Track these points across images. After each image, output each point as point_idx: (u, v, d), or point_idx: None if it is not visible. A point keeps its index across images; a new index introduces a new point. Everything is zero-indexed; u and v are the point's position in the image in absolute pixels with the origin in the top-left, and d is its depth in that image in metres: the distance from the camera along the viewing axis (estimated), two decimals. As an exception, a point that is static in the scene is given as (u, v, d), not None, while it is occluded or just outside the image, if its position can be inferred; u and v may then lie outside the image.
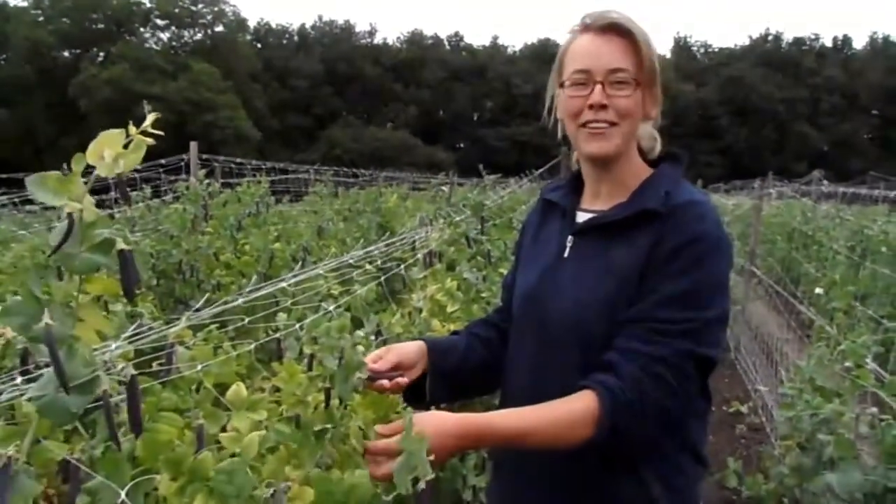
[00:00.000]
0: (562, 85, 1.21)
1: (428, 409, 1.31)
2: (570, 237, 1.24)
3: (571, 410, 1.06)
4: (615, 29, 1.15)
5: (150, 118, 0.77)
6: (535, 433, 1.06)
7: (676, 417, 1.10)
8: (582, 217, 1.26)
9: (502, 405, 1.34)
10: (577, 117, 1.18)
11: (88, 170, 0.74)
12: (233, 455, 1.17)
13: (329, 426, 1.23)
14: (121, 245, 0.73)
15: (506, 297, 1.42)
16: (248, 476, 0.94)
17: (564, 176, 1.40)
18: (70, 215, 0.69)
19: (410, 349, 1.27)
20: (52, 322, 0.69)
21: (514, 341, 1.31)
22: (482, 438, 1.08)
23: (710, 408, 1.23)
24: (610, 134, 1.16)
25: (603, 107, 1.15)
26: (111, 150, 0.71)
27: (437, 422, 1.05)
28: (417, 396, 1.30)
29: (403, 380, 1.22)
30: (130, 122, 0.73)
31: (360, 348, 1.21)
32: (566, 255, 1.23)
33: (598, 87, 1.14)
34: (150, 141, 0.74)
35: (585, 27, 1.19)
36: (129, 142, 0.72)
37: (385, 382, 1.20)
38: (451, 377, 1.30)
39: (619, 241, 1.16)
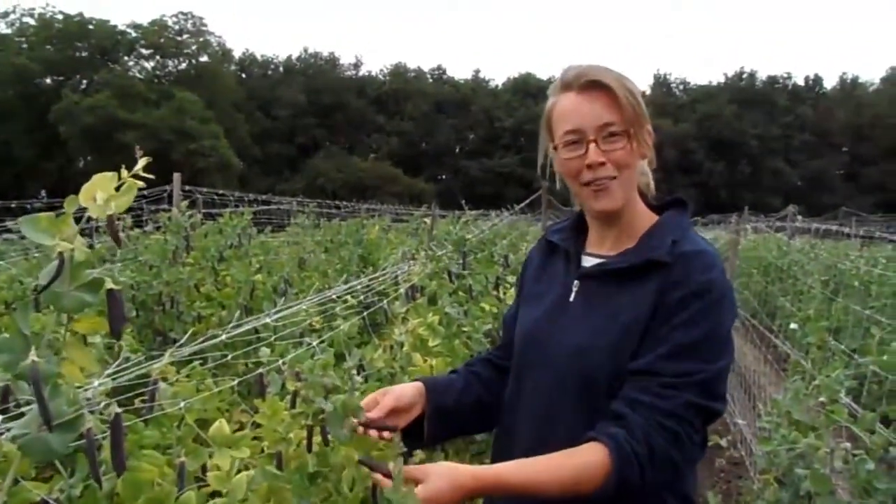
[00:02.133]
0: (555, 147, 1.23)
1: (424, 447, 1.30)
2: (576, 281, 1.24)
3: (580, 463, 1.06)
4: (596, 85, 1.17)
5: (142, 162, 0.79)
6: (544, 486, 1.06)
7: (681, 467, 1.11)
8: (588, 261, 1.27)
9: (498, 443, 1.34)
10: (577, 177, 1.20)
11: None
12: (214, 494, 1.17)
13: (324, 469, 1.23)
14: (109, 285, 0.74)
15: (507, 333, 1.42)
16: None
17: (567, 217, 1.42)
18: (61, 255, 0.70)
19: (407, 391, 1.27)
20: (38, 359, 0.69)
21: (514, 380, 1.31)
22: (492, 490, 1.08)
23: (704, 453, 1.23)
24: (613, 188, 1.18)
25: (601, 164, 1.17)
26: (103, 193, 0.72)
27: (450, 474, 1.05)
28: (415, 436, 1.29)
29: (389, 435, 1.21)
30: (122, 167, 0.75)
31: (357, 393, 1.21)
32: (571, 298, 1.24)
33: (593, 145, 1.16)
34: (140, 184, 0.76)
35: (566, 86, 1.20)
36: (121, 185, 0.74)
37: (374, 433, 1.19)
38: (448, 416, 1.30)
39: (625, 288, 1.17)
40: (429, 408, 1.28)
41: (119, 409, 0.80)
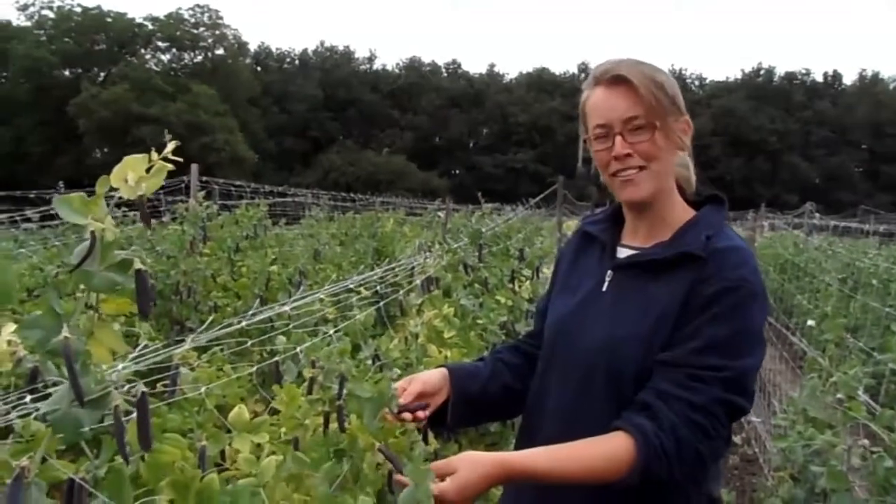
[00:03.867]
0: (586, 140, 1.26)
1: (450, 433, 1.32)
2: (609, 272, 1.25)
3: (606, 452, 1.07)
4: (620, 80, 1.19)
5: (171, 145, 0.80)
6: (569, 474, 1.07)
7: (707, 463, 1.11)
8: (622, 252, 1.28)
9: (523, 432, 1.35)
10: (606, 168, 1.23)
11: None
12: (233, 479, 1.18)
13: (346, 449, 1.25)
14: (138, 265, 0.76)
15: (538, 322, 1.43)
16: (256, 499, 0.95)
17: (605, 209, 1.42)
18: (93, 234, 0.71)
19: (433, 377, 1.29)
20: (70, 336, 0.71)
21: (542, 368, 1.32)
22: (517, 477, 1.09)
23: (727, 449, 1.23)
24: (640, 179, 1.20)
25: (627, 155, 1.19)
26: (134, 174, 0.74)
27: (477, 464, 1.06)
28: (440, 422, 1.31)
29: (424, 413, 1.24)
30: (153, 150, 0.76)
31: (394, 385, 1.22)
32: (604, 289, 1.24)
33: (619, 138, 1.19)
34: (170, 167, 0.78)
35: (596, 81, 1.23)
36: (152, 167, 0.75)
37: (408, 415, 1.22)
38: (473, 403, 1.31)
39: (658, 280, 1.17)
40: (454, 394, 1.30)
41: (145, 389, 0.82)
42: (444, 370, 1.32)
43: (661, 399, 1.08)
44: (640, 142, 1.18)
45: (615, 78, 1.20)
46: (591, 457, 1.07)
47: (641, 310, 1.16)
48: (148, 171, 0.74)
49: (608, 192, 1.31)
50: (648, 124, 1.18)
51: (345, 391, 1.28)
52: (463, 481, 1.05)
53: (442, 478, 1.06)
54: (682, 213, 1.26)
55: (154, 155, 0.74)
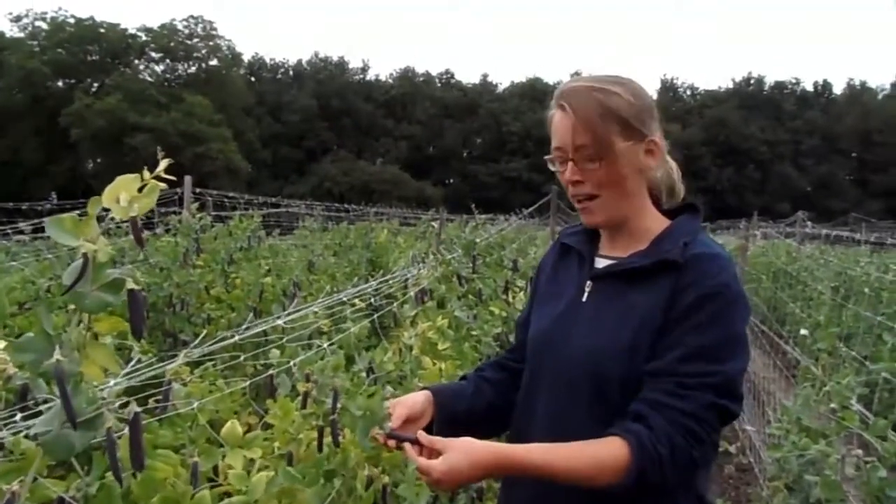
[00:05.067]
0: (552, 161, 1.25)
1: None
2: (588, 282, 1.26)
3: (601, 454, 1.08)
4: (566, 107, 1.19)
5: (163, 164, 0.80)
6: (561, 472, 1.08)
7: (698, 468, 1.12)
8: (600, 263, 1.28)
9: (513, 440, 1.34)
10: (567, 190, 1.24)
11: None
12: (226, 495, 1.17)
13: (339, 469, 1.24)
14: (131, 285, 0.75)
15: (520, 335, 1.43)
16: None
17: (580, 221, 1.42)
18: (85, 255, 0.71)
19: (418, 400, 1.29)
20: (62, 358, 0.70)
21: (527, 381, 1.32)
22: (510, 470, 1.10)
23: (717, 454, 1.25)
24: (593, 208, 1.21)
25: (578, 181, 1.20)
26: (126, 194, 0.73)
27: (470, 451, 1.08)
28: None
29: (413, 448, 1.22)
30: (145, 169, 0.76)
31: (387, 403, 1.22)
32: (584, 299, 1.25)
33: (570, 164, 1.19)
34: (163, 186, 0.77)
35: (556, 101, 1.22)
36: (144, 186, 0.75)
37: (392, 443, 1.21)
38: (458, 423, 1.30)
39: (636, 289, 1.18)
40: (439, 415, 1.29)
41: (138, 408, 0.81)
42: (427, 392, 1.31)
43: (653, 409, 1.09)
44: (590, 170, 1.18)
45: (562, 105, 1.20)
46: (586, 456, 1.08)
47: (621, 318, 1.17)
48: (140, 190, 0.73)
49: None
50: (595, 155, 1.18)
51: (339, 405, 1.27)
52: (453, 463, 1.06)
53: (437, 454, 1.09)
54: (657, 223, 1.26)
55: (146, 174, 0.74)
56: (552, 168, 1.25)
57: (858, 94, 54.59)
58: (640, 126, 1.20)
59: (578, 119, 1.17)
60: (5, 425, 0.99)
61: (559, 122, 1.20)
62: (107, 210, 0.80)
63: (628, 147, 1.19)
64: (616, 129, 1.18)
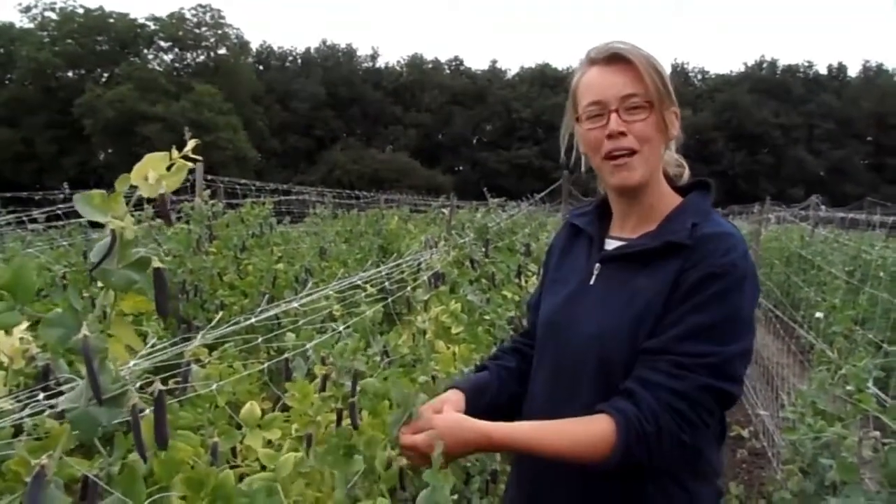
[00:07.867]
0: (578, 119, 1.24)
1: None
2: (597, 265, 1.25)
3: (587, 430, 1.08)
4: (619, 58, 1.18)
5: (192, 143, 0.80)
6: (547, 448, 1.09)
7: (693, 449, 1.11)
8: (610, 244, 1.27)
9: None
10: (598, 149, 1.20)
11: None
12: (244, 476, 1.19)
13: (360, 447, 1.25)
14: (156, 263, 0.76)
15: (531, 318, 1.43)
16: (274, 498, 0.95)
17: (591, 200, 1.41)
18: (112, 232, 0.72)
19: (458, 402, 1.27)
20: (89, 334, 0.71)
21: (537, 362, 1.33)
22: (498, 447, 1.12)
23: (727, 433, 1.23)
24: (632, 164, 1.18)
25: (621, 134, 1.17)
26: (155, 172, 0.74)
27: (456, 428, 1.11)
28: None
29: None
30: (174, 147, 0.76)
31: (423, 396, 1.21)
32: (592, 282, 1.24)
33: (614, 115, 1.17)
34: (190, 165, 0.78)
35: (592, 61, 1.22)
36: (172, 165, 0.76)
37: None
38: (487, 416, 1.29)
39: (644, 272, 1.17)
40: (467, 411, 1.27)
41: (162, 387, 0.82)
42: (453, 392, 1.30)
43: (643, 387, 1.08)
44: (635, 121, 1.17)
45: (614, 56, 1.19)
46: (572, 432, 1.09)
47: (628, 301, 1.16)
48: (168, 168, 0.74)
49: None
50: (646, 103, 1.17)
51: (357, 388, 1.28)
52: (435, 439, 1.08)
53: (421, 431, 1.12)
54: (670, 200, 1.25)
55: (175, 153, 0.75)
56: (584, 128, 1.21)
57: (874, 76, 53.70)
58: (671, 92, 1.21)
59: (634, 67, 1.17)
60: (26, 405, 1.01)
61: (600, 76, 1.20)
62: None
63: (665, 106, 1.19)
64: (661, 84, 1.18)
